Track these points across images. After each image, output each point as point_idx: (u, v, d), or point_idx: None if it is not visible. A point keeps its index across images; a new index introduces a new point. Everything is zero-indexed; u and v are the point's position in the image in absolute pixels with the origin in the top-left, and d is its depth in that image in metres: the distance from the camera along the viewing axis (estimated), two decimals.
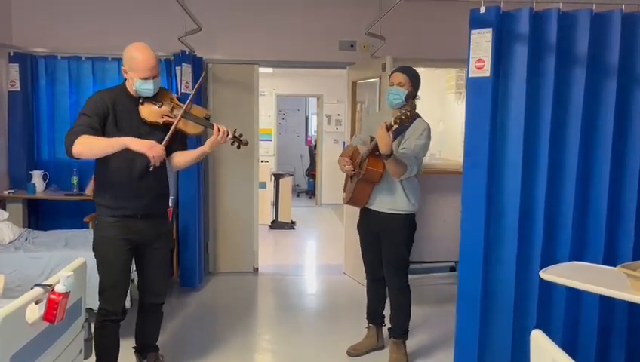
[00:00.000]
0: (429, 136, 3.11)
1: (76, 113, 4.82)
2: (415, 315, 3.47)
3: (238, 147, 2.78)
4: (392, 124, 2.77)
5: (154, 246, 2.83)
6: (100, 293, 2.73)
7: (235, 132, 2.76)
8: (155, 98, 2.70)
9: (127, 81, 2.69)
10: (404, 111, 2.73)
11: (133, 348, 3.07)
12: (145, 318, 3.01)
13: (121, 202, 2.67)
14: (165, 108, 2.71)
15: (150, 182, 2.73)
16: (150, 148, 2.48)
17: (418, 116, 3.04)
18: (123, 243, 2.69)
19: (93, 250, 2.73)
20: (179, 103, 2.77)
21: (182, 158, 2.83)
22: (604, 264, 2.64)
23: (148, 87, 2.64)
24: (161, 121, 2.70)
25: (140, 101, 2.68)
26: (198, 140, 3.62)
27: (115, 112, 2.62)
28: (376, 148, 2.97)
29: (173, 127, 2.69)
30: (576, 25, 2.72)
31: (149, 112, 2.69)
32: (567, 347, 2.78)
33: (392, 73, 3.21)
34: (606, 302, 2.74)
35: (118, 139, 2.51)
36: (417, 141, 3.07)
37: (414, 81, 3.12)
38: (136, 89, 2.64)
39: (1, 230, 3.97)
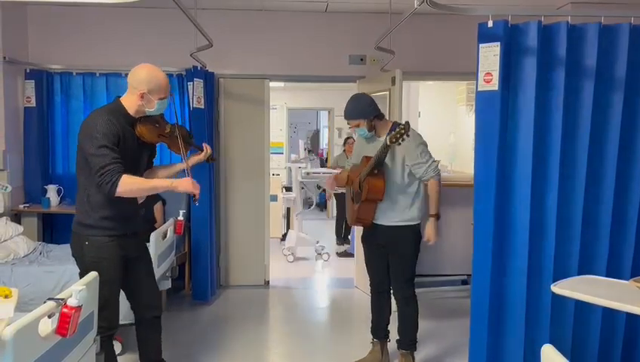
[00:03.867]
0: (422, 140, 3.25)
1: None
2: (427, 328, 3.45)
3: (209, 162, 3.02)
4: (388, 144, 2.95)
5: (140, 260, 2.86)
6: (99, 312, 2.64)
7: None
8: (151, 117, 2.71)
9: (131, 102, 2.62)
10: (396, 131, 2.90)
11: None
12: (145, 333, 2.98)
13: (116, 223, 2.67)
14: (162, 128, 2.73)
15: (137, 205, 2.82)
16: (195, 187, 2.61)
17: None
18: (119, 260, 2.69)
19: (86, 271, 2.50)
20: (167, 121, 2.82)
21: (165, 173, 2.93)
22: (607, 275, 2.64)
23: (164, 106, 2.67)
24: (157, 140, 2.74)
25: (140, 120, 2.67)
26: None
27: (124, 135, 2.59)
28: (374, 167, 3.11)
29: (181, 144, 2.77)
30: (585, 38, 2.71)
31: (147, 131, 2.67)
32: (579, 360, 2.76)
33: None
34: (613, 316, 2.73)
35: (164, 182, 2.64)
36: (417, 150, 3.18)
37: (365, 113, 3.24)
38: (154, 110, 2.63)
39: (16, 244, 4.03)
